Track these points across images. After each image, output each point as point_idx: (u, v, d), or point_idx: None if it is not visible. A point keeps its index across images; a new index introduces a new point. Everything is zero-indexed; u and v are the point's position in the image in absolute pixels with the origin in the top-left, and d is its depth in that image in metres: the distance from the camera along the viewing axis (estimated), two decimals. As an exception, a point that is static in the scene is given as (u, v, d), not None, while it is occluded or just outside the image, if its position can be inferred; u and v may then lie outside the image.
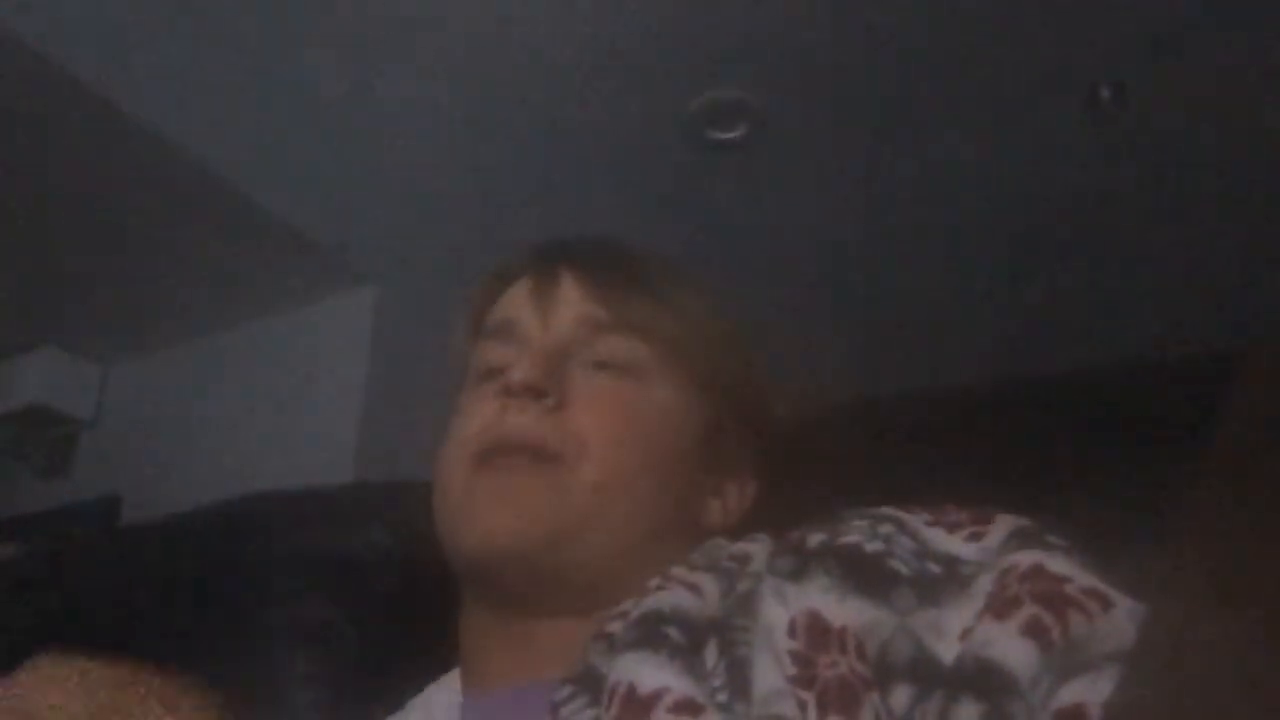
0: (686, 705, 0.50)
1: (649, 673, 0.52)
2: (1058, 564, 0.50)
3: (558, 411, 0.68)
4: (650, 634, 0.55)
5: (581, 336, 0.72)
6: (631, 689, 0.51)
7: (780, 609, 0.53)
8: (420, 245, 2.57)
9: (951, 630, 0.49)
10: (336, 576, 0.90)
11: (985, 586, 0.51)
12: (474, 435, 0.69)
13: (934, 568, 0.54)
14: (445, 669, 0.74)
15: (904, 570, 0.53)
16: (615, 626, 0.58)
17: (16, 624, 0.96)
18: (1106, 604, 0.48)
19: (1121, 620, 0.47)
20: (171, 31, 1.98)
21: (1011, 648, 0.46)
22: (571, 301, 0.73)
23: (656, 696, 0.50)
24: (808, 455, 0.77)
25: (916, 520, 0.57)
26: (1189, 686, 0.29)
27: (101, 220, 2.47)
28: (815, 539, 0.56)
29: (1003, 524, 0.55)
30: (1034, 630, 0.46)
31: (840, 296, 2.81)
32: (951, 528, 0.56)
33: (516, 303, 0.76)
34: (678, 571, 0.62)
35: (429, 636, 0.76)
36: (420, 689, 0.74)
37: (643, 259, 0.79)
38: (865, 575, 0.53)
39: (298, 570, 0.91)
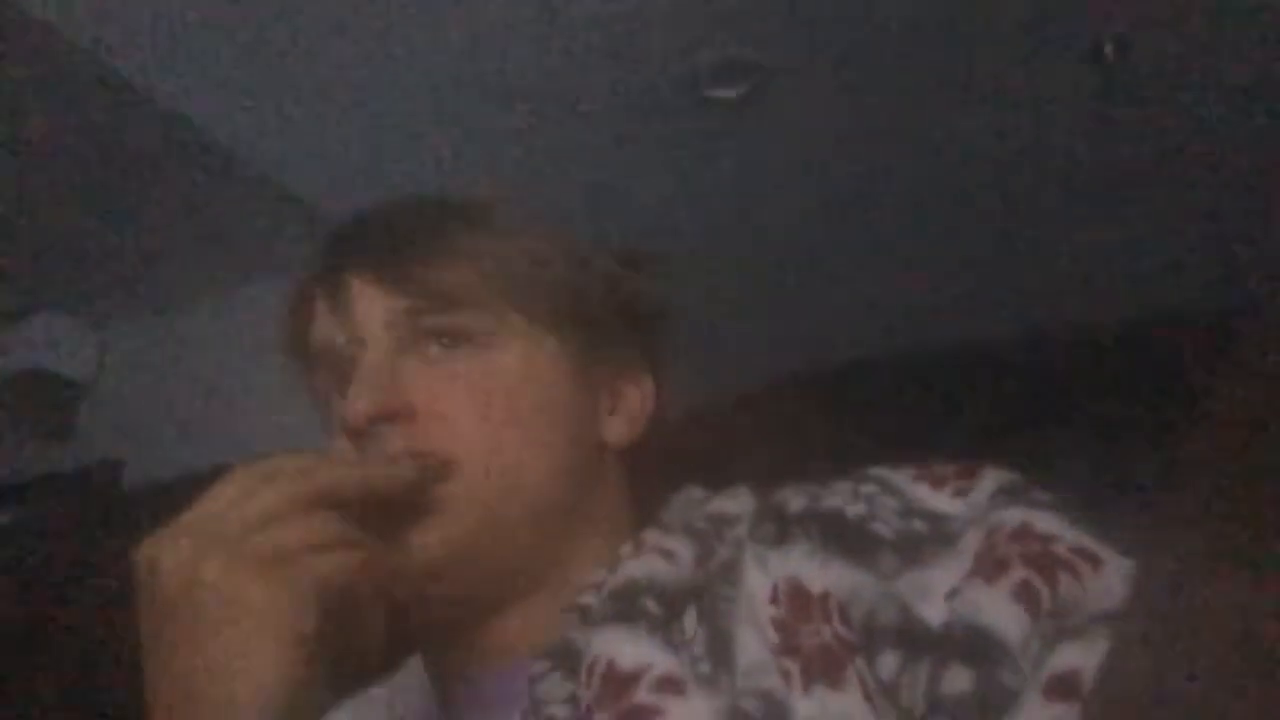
0: (669, 682, 0.49)
1: (629, 648, 0.51)
2: (1046, 521, 0.49)
3: (412, 423, 0.63)
4: (627, 606, 0.54)
5: (399, 334, 0.66)
6: (611, 665, 0.51)
7: (762, 576, 0.53)
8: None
9: (937, 590, 0.49)
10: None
11: (972, 545, 0.50)
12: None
13: (919, 525, 0.53)
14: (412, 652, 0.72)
15: (887, 533, 0.53)
16: (589, 599, 0.57)
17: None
18: (1096, 563, 0.47)
19: (1112, 579, 0.46)
20: (182, 8, 1.96)
21: (1001, 613, 0.46)
22: (371, 303, 0.66)
23: (638, 673, 0.50)
24: (798, 414, 0.77)
25: (901, 477, 0.56)
26: (1182, 646, 0.29)
27: (100, 183, 2.45)
28: (797, 503, 0.56)
29: (989, 478, 0.54)
30: (1024, 594, 0.46)
31: (840, 257, 2.80)
32: (937, 482, 0.55)
33: (323, 324, 0.69)
34: (651, 536, 0.60)
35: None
36: (391, 670, 0.72)
37: (431, 219, 0.72)
38: (847, 540, 0.52)
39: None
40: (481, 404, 0.64)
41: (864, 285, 2.86)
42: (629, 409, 0.71)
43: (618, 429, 0.70)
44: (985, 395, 0.76)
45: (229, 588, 0.49)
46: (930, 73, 2.23)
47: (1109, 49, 2.13)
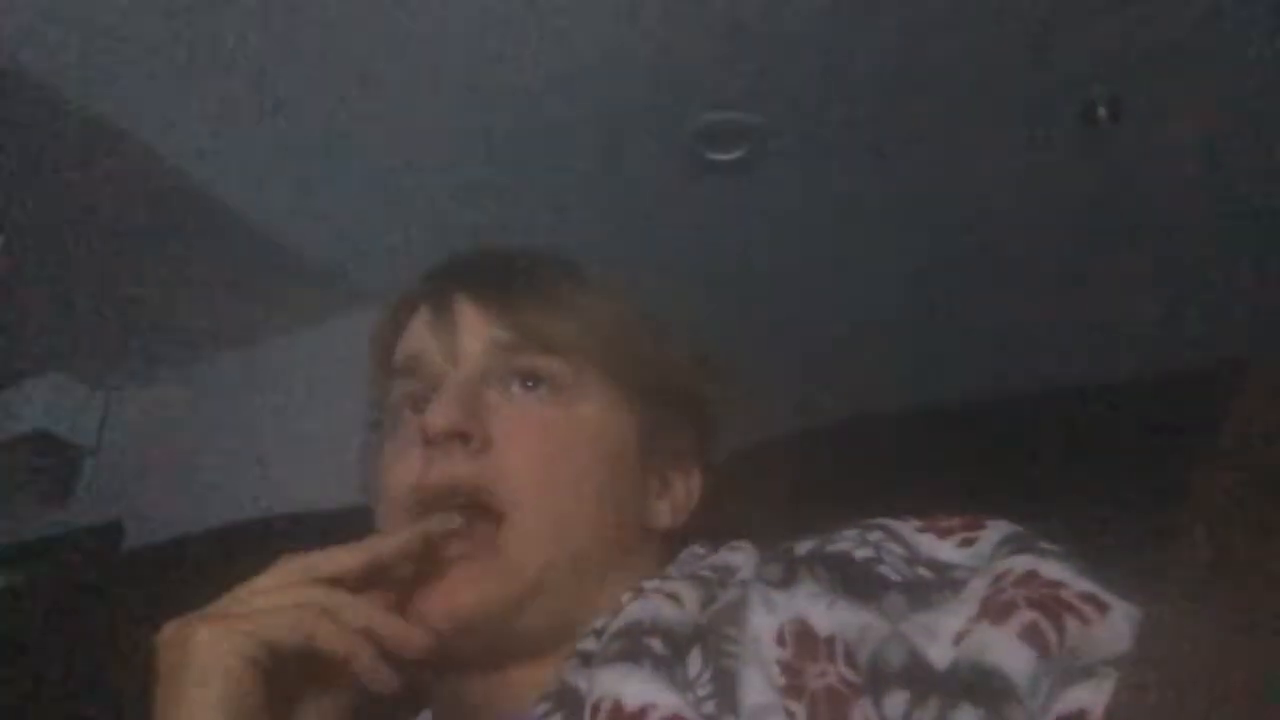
0: None
1: (634, 687, 0.51)
2: (1052, 569, 0.49)
3: (484, 452, 0.64)
4: (631, 646, 0.54)
5: (491, 364, 0.68)
6: (617, 705, 0.50)
7: (768, 618, 0.53)
8: (421, 267, 2.57)
9: (944, 634, 0.49)
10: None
11: (978, 590, 0.50)
12: (404, 492, 0.66)
13: (925, 573, 0.53)
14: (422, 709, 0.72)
15: (894, 576, 0.53)
16: (590, 644, 0.57)
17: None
18: (1103, 608, 0.47)
19: (1118, 624, 0.46)
20: (173, 54, 1.99)
21: (1009, 653, 0.45)
22: (474, 328, 0.70)
23: (643, 712, 0.49)
24: (799, 471, 0.77)
25: (906, 527, 0.57)
26: (1187, 687, 0.29)
27: (105, 246, 2.48)
28: (803, 547, 0.56)
29: (995, 529, 0.54)
30: (1031, 635, 0.46)
31: (842, 315, 2.81)
32: (942, 534, 0.56)
33: (419, 335, 0.72)
34: (651, 584, 0.60)
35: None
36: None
37: (538, 266, 0.75)
38: (854, 581, 0.52)
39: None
40: (551, 447, 0.66)
41: (867, 343, 2.87)
42: (675, 497, 0.72)
43: (662, 514, 0.71)
44: (985, 452, 0.76)
45: (188, 644, 0.53)
46: (926, 134, 2.26)
47: (1102, 111, 2.16)
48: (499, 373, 0.68)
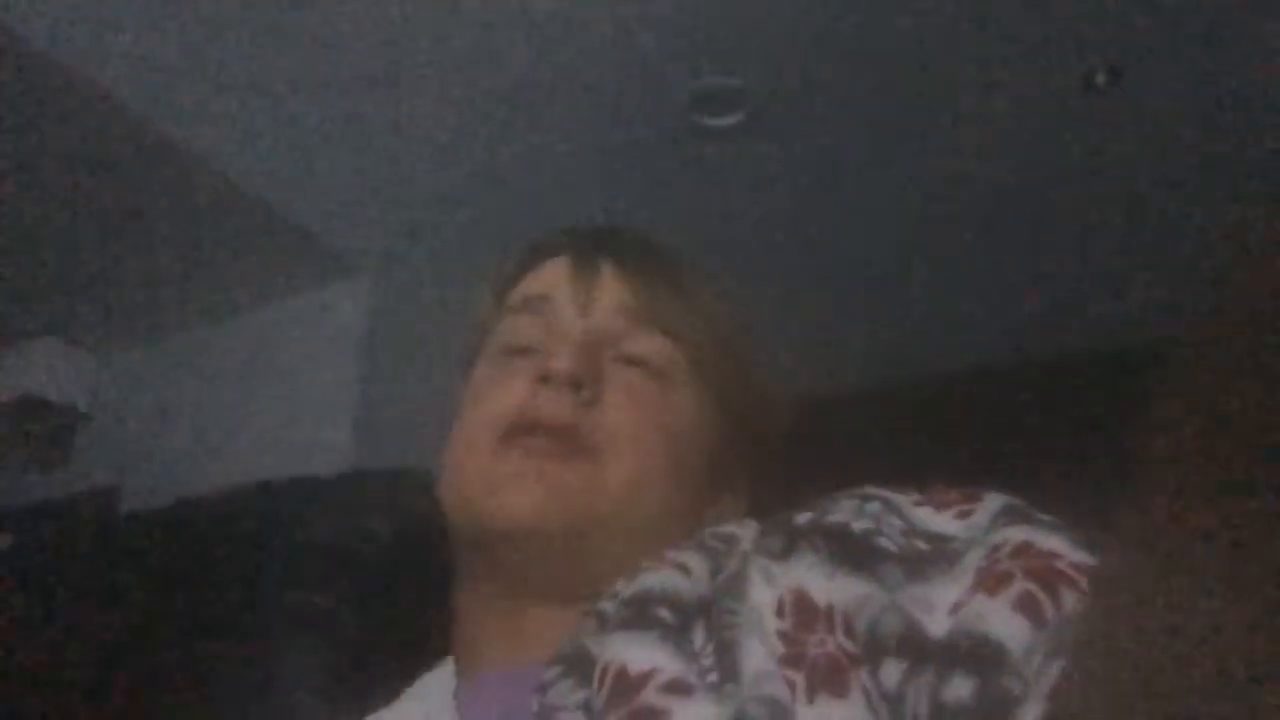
0: (678, 685, 0.50)
1: (641, 653, 0.52)
2: (1049, 540, 0.50)
3: (591, 405, 0.68)
4: (641, 614, 0.55)
5: (618, 330, 0.72)
6: (623, 669, 0.51)
7: (768, 589, 0.53)
8: (413, 236, 2.57)
9: (941, 605, 0.49)
10: (334, 566, 0.90)
11: (975, 562, 0.50)
12: (504, 414, 0.68)
13: (922, 545, 0.53)
14: (441, 658, 0.74)
15: (891, 547, 0.53)
16: (607, 605, 0.58)
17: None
18: None
19: None
20: (168, 23, 1.98)
21: (1004, 622, 0.46)
22: (611, 292, 0.73)
23: (648, 676, 0.50)
24: (800, 442, 0.78)
25: (904, 499, 0.57)
26: (1160, 658, 0.29)
27: (99, 212, 2.47)
28: (802, 518, 0.57)
29: (991, 501, 0.55)
30: (1027, 605, 0.46)
31: (837, 284, 2.82)
32: (940, 506, 0.56)
33: (553, 281, 0.74)
34: (668, 552, 0.61)
35: (425, 626, 0.76)
36: (415, 678, 0.74)
37: (675, 258, 0.78)
38: (853, 552, 0.53)
39: (296, 560, 0.91)
40: (650, 417, 0.69)
41: (862, 312, 2.87)
42: (724, 513, 0.74)
43: (710, 521, 0.72)
44: (980, 422, 0.77)
45: None
46: (923, 101, 2.25)
47: (1101, 77, 2.15)
48: (619, 342, 0.71)
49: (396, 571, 0.89)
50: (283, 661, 0.88)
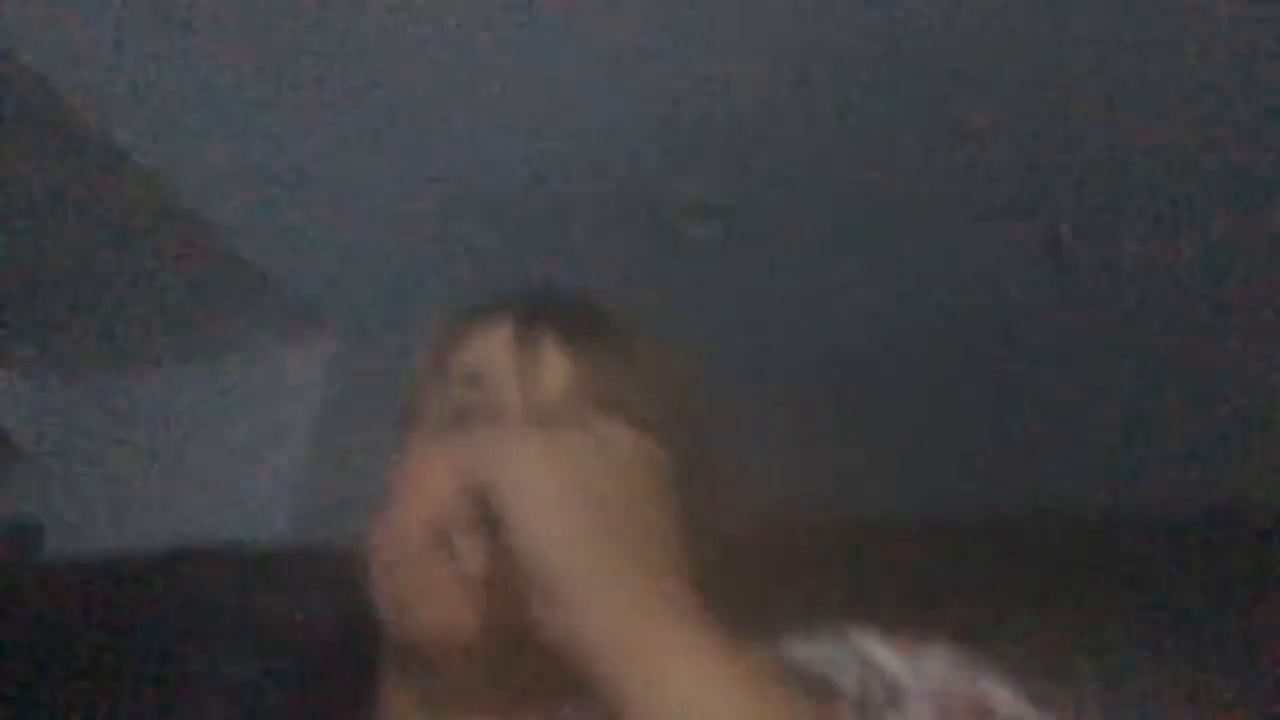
0: None
1: None
2: (994, 694, 0.51)
3: None
4: None
5: (564, 412, 0.67)
6: None
7: None
8: (393, 310, 2.56)
9: None
10: (266, 637, 0.88)
11: (922, 711, 0.51)
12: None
13: (876, 688, 0.53)
14: None
15: (849, 689, 0.53)
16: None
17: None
18: None
19: None
20: (146, 59, 1.98)
21: None
22: (557, 369, 0.68)
23: None
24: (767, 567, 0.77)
25: (865, 639, 0.57)
26: None
27: (59, 241, 2.44)
28: (762, 651, 0.56)
29: (944, 649, 0.55)
30: None
31: (826, 393, 2.82)
32: (898, 649, 0.56)
33: (494, 352, 0.70)
34: None
35: (356, 707, 0.73)
36: None
37: (624, 328, 0.74)
38: (812, 689, 0.53)
39: (226, 627, 0.88)
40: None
41: (848, 420, 2.86)
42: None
43: None
44: (949, 562, 0.77)
45: None
46: (899, 207, 2.28)
47: (1066, 233, 2.20)
48: (560, 421, 0.66)
49: (330, 651, 0.87)
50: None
